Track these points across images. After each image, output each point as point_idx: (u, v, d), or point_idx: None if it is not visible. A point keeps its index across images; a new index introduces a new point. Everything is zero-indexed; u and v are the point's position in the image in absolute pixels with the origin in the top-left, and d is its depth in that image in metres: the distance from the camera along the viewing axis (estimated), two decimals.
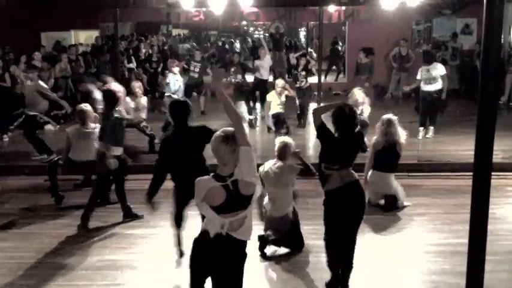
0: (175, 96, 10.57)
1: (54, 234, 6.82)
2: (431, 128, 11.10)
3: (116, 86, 7.27)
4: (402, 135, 7.55)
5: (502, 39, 16.13)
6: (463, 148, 9.64)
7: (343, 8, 16.45)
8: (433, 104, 11.01)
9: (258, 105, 13.70)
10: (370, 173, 7.51)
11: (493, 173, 4.11)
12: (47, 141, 8.45)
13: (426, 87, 10.90)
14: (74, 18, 16.12)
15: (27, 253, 6.26)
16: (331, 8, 16.14)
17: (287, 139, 6.25)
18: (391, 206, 7.45)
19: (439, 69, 10.90)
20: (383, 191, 7.53)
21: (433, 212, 7.38)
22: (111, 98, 6.95)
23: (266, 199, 6.10)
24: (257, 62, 13.42)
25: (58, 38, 16.70)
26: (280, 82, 11.64)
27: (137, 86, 10.32)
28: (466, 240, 4.24)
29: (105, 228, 6.99)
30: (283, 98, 11.45)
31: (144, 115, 10.10)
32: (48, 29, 16.73)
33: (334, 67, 20.04)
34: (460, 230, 6.31)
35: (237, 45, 24.21)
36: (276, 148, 6.13)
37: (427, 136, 10.98)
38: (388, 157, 7.46)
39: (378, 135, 7.50)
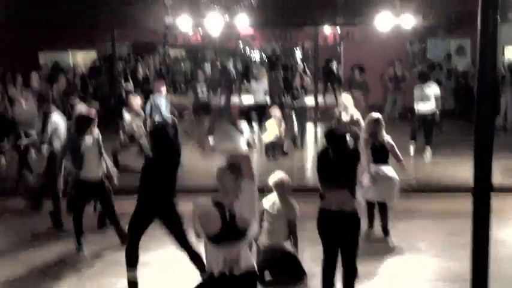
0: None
1: (51, 260, 6.77)
2: (429, 148, 11.13)
3: (88, 111, 7.28)
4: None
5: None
6: (461, 169, 9.64)
7: (338, 28, 16.60)
8: (426, 123, 11.09)
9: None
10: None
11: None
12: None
13: (419, 106, 11.09)
14: (72, 38, 16.17)
15: (24, 280, 6.21)
16: (326, 29, 16.28)
17: (281, 175, 6.19)
18: (387, 230, 7.38)
19: (432, 88, 11.05)
20: (383, 185, 7.23)
21: (433, 236, 7.35)
22: (80, 124, 6.99)
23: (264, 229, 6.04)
24: (253, 85, 13.50)
25: (56, 58, 16.72)
26: (276, 112, 11.62)
27: (136, 101, 10.24)
28: (467, 265, 4.22)
29: (104, 253, 6.93)
30: (282, 127, 11.43)
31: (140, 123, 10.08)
32: (46, 49, 16.76)
33: (329, 85, 20.09)
34: (460, 254, 6.27)
35: (230, 65, 24.12)
36: (273, 185, 6.10)
37: (426, 158, 11.00)
38: (377, 151, 7.32)
39: (365, 133, 7.40)
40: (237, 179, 3.70)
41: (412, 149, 11.16)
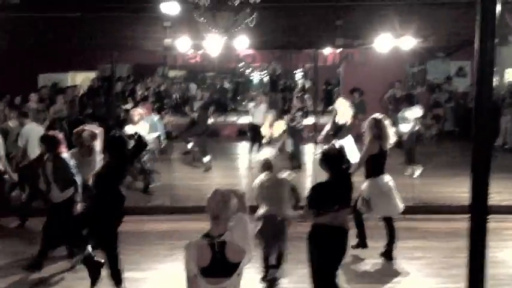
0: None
1: (45, 278, 6.69)
2: (413, 167, 11.26)
3: (53, 132, 7.21)
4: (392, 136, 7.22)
5: (497, 82, 16.30)
6: (460, 190, 9.58)
7: (338, 50, 16.64)
8: (405, 143, 11.29)
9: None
10: (367, 184, 6.98)
11: (489, 216, 4.07)
12: None
13: (399, 127, 11.23)
14: (72, 60, 16.24)
15: None
16: (326, 51, 16.31)
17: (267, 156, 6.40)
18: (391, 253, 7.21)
19: (413, 112, 11.27)
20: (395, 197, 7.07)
21: (431, 256, 7.29)
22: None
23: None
24: (251, 107, 13.57)
25: (55, 80, 16.76)
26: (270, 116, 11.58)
27: (136, 113, 10.23)
28: (464, 285, 4.16)
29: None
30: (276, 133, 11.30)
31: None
32: (46, 71, 16.81)
33: (329, 108, 20.15)
34: (458, 274, 6.18)
35: (227, 85, 24.12)
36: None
37: (414, 176, 11.06)
38: (382, 158, 7.00)
39: (371, 138, 7.01)
40: (229, 208, 3.59)
41: (408, 172, 11.17)
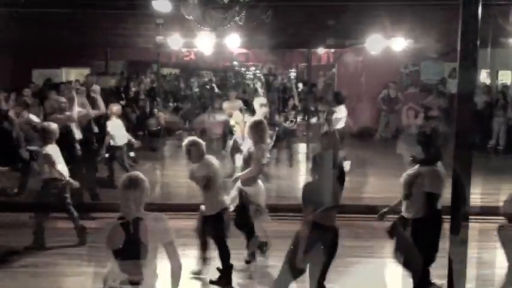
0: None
1: (34, 273, 6.72)
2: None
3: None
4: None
5: (490, 84, 16.34)
6: (447, 191, 9.56)
7: (332, 50, 16.66)
8: None
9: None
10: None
11: (479, 217, 4.10)
12: None
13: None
14: (64, 56, 16.22)
15: None
16: (320, 50, 16.33)
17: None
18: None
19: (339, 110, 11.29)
20: None
21: None
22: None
23: None
24: (226, 105, 11.67)
25: (49, 75, 16.73)
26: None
27: (115, 109, 10.10)
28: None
29: (86, 269, 6.83)
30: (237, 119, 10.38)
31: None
32: (39, 67, 16.79)
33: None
34: (444, 274, 6.21)
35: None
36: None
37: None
38: None
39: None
40: (141, 195, 3.75)
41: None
